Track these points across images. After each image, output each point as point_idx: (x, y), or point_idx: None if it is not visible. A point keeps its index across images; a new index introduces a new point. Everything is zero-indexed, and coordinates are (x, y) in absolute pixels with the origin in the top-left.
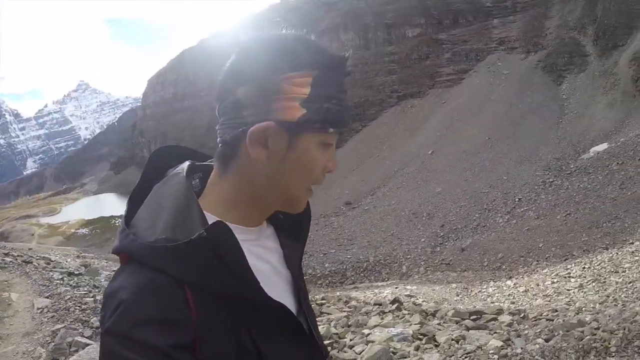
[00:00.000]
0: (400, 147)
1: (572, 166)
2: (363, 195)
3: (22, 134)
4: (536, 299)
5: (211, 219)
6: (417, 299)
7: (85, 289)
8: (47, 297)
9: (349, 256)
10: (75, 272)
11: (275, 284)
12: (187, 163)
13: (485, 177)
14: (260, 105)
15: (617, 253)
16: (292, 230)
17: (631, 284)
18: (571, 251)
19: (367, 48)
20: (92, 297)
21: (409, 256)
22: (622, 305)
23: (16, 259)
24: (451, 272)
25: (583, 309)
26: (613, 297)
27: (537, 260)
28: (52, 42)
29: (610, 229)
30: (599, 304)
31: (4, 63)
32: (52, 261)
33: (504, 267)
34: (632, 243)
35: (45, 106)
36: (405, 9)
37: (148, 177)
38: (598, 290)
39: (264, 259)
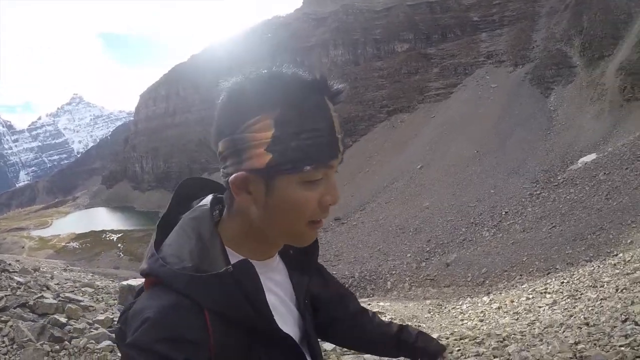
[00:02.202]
0: (389, 162)
1: (559, 178)
2: (352, 210)
3: (15, 145)
4: (504, 317)
5: (230, 253)
6: (385, 317)
7: None
8: None
9: (334, 272)
10: (9, 270)
11: (281, 314)
12: (210, 196)
13: (473, 191)
14: (234, 156)
15: (599, 266)
16: (300, 263)
17: (600, 302)
18: (554, 265)
19: (357, 63)
20: None
21: (394, 272)
22: (569, 330)
23: None
24: (432, 288)
25: (511, 337)
26: (577, 317)
27: (520, 275)
28: (44, 56)
29: (595, 240)
30: (547, 327)
31: None
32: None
33: (487, 282)
34: (616, 255)
35: (39, 119)
36: (394, 25)
37: (175, 207)
38: (567, 308)
39: (272, 291)
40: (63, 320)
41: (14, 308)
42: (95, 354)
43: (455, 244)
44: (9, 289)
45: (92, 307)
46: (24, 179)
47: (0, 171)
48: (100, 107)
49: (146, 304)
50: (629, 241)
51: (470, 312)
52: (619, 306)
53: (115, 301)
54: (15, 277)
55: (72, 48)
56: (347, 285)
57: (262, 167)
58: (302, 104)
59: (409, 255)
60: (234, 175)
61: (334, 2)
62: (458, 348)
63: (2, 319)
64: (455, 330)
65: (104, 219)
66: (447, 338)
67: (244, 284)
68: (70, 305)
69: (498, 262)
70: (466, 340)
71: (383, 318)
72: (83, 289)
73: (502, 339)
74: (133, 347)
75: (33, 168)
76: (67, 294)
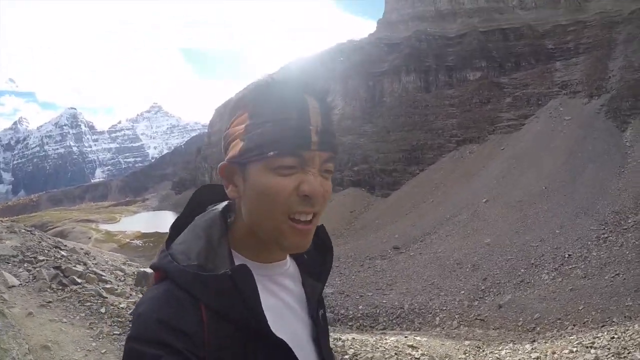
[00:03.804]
0: (455, 193)
1: (630, 221)
2: (412, 240)
3: (95, 144)
4: None
5: (235, 255)
6: (417, 351)
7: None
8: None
9: (384, 301)
10: (61, 247)
11: (284, 320)
12: (225, 202)
13: (537, 230)
14: (224, 150)
15: None
16: (315, 269)
17: None
18: (612, 317)
19: (428, 90)
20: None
21: (444, 308)
22: None
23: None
24: (479, 329)
25: None
26: None
27: (574, 325)
28: (128, 65)
29: None
30: None
31: (84, 79)
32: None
33: (537, 328)
34: None
35: (119, 122)
36: (467, 52)
37: (190, 210)
38: None
39: (276, 295)
40: (79, 280)
41: (49, 267)
42: (81, 294)
43: (512, 285)
44: (52, 258)
45: (110, 281)
46: (99, 176)
47: (78, 166)
48: (177, 117)
49: (149, 296)
50: None
51: (507, 359)
52: None
53: (132, 282)
54: (62, 252)
55: (155, 60)
56: (394, 317)
57: (237, 155)
58: (275, 97)
59: (462, 292)
60: (219, 165)
61: (407, 28)
62: None
63: (36, 268)
64: None
65: (170, 222)
66: None
67: (240, 287)
68: (90, 274)
69: (552, 308)
70: None
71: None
72: (115, 272)
73: None
74: (133, 339)
75: (109, 167)
76: (94, 269)
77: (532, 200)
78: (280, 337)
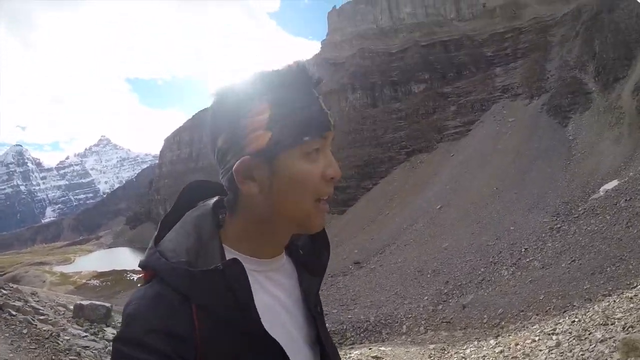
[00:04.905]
0: (409, 203)
1: (580, 209)
2: (372, 253)
3: (43, 182)
4: None
5: (228, 251)
6: None
7: None
8: None
9: (349, 316)
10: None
11: (279, 319)
12: (216, 198)
13: (492, 229)
14: (236, 146)
15: (614, 300)
16: (311, 263)
17: (595, 345)
18: (572, 301)
19: (375, 106)
20: None
21: (410, 315)
22: None
23: None
24: (445, 331)
25: None
26: None
27: (537, 314)
28: (71, 97)
29: (614, 272)
30: None
31: (27, 114)
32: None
33: (502, 323)
34: (635, 287)
35: (67, 158)
36: (410, 66)
37: (179, 206)
38: (564, 352)
39: (270, 292)
40: (14, 313)
41: None
42: (9, 320)
43: (474, 285)
44: None
45: (47, 314)
46: (50, 215)
47: (27, 207)
48: (127, 149)
49: (136, 296)
50: None
51: (472, 356)
52: (607, 351)
53: (70, 316)
54: (3, 291)
55: (100, 92)
56: (361, 330)
57: (264, 146)
58: (291, 86)
59: (426, 298)
60: (238, 162)
61: (351, 47)
62: None
63: None
64: None
65: (127, 259)
66: None
67: (232, 283)
68: (26, 307)
69: (515, 302)
70: None
71: None
72: (57, 307)
73: None
74: (121, 341)
75: (59, 205)
76: (33, 304)
77: (484, 201)
78: (274, 337)
